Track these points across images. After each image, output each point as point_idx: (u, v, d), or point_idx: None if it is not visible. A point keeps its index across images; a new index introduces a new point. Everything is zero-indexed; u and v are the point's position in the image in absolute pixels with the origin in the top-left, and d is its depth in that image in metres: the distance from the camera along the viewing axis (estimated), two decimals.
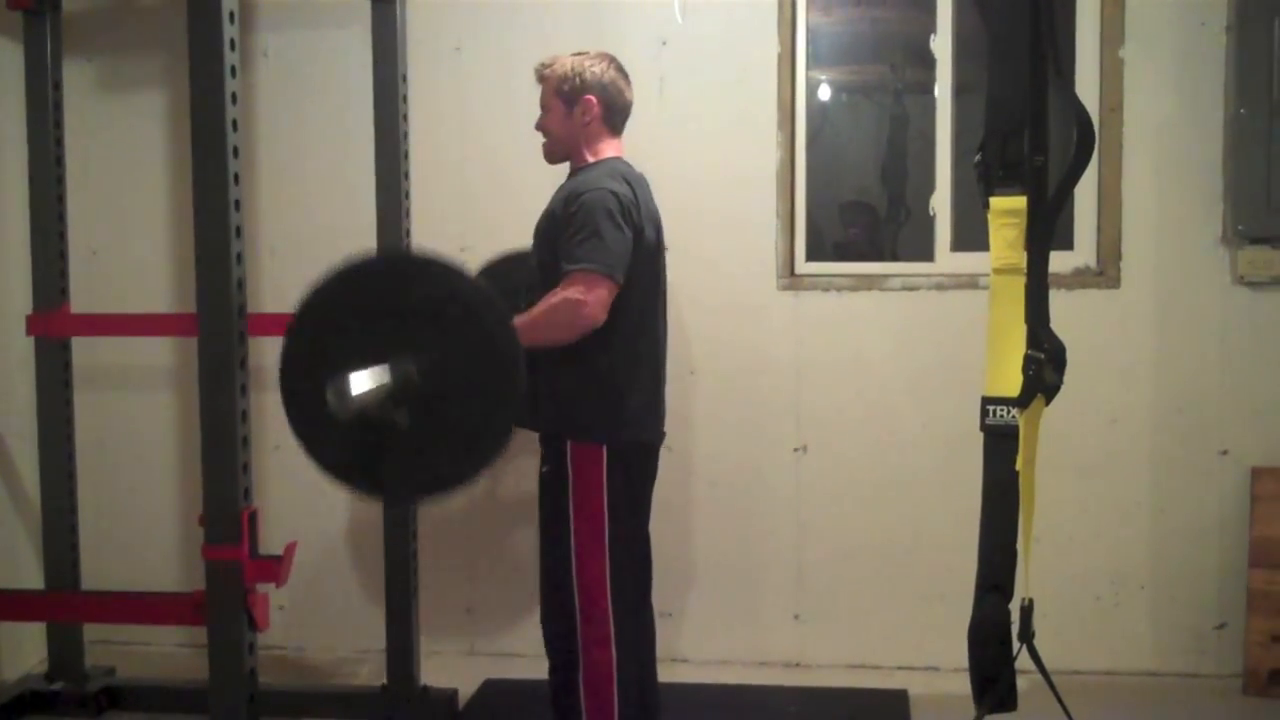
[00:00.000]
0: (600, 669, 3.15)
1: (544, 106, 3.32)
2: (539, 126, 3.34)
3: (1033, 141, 2.79)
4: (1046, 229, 2.80)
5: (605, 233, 3.04)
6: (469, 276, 2.83)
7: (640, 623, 3.33)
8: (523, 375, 2.76)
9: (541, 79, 3.33)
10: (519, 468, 4.41)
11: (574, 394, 3.16)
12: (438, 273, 2.78)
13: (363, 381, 2.54)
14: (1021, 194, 2.79)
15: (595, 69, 3.27)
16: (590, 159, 3.28)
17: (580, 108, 3.25)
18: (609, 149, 3.31)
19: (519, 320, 2.97)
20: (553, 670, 3.31)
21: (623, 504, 3.20)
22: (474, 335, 2.73)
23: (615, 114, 3.31)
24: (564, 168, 3.36)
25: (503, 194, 4.38)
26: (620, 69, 3.33)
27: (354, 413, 2.52)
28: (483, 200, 4.48)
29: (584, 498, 3.16)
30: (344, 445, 2.76)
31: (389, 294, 2.78)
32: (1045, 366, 2.76)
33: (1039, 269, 2.80)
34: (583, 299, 3.01)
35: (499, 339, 2.74)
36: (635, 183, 3.22)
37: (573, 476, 3.16)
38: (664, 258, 3.36)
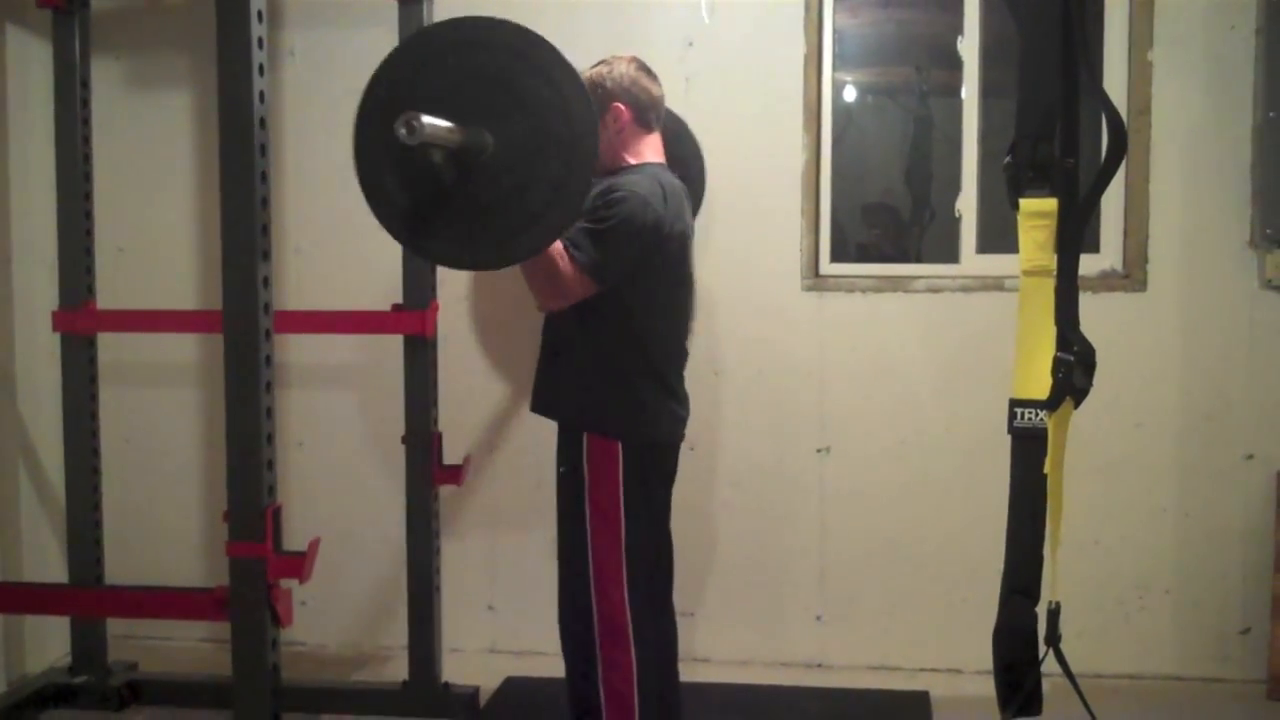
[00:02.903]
0: (618, 670, 3.15)
1: None
2: None
3: (1064, 143, 2.77)
4: (1077, 231, 2.78)
5: (616, 237, 3.03)
6: (573, 72, 2.78)
7: (660, 623, 3.32)
8: (589, 169, 2.75)
9: None
10: (541, 464, 4.41)
11: (594, 390, 3.16)
12: (542, 53, 2.76)
13: (436, 123, 2.53)
14: (1052, 196, 2.78)
15: (617, 74, 3.26)
16: (631, 161, 3.27)
17: (610, 116, 3.24)
18: (648, 149, 3.29)
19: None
20: (570, 670, 3.30)
21: (639, 503, 3.19)
22: (556, 121, 2.71)
23: (646, 113, 3.30)
24: None
25: None
26: (643, 67, 3.31)
27: (417, 144, 2.50)
28: None
29: (600, 496, 3.16)
30: (405, 205, 2.77)
31: (486, 59, 2.76)
32: (1075, 369, 2.73)
33: (1069, 271, 2.78)
34: (567, 285, 3.01)
35: (580, 130, 2.71)
36: (670, 194, 3.20)
37: (589, 474, 3.16)
38: (691, 266, 3.36)
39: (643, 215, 3.05)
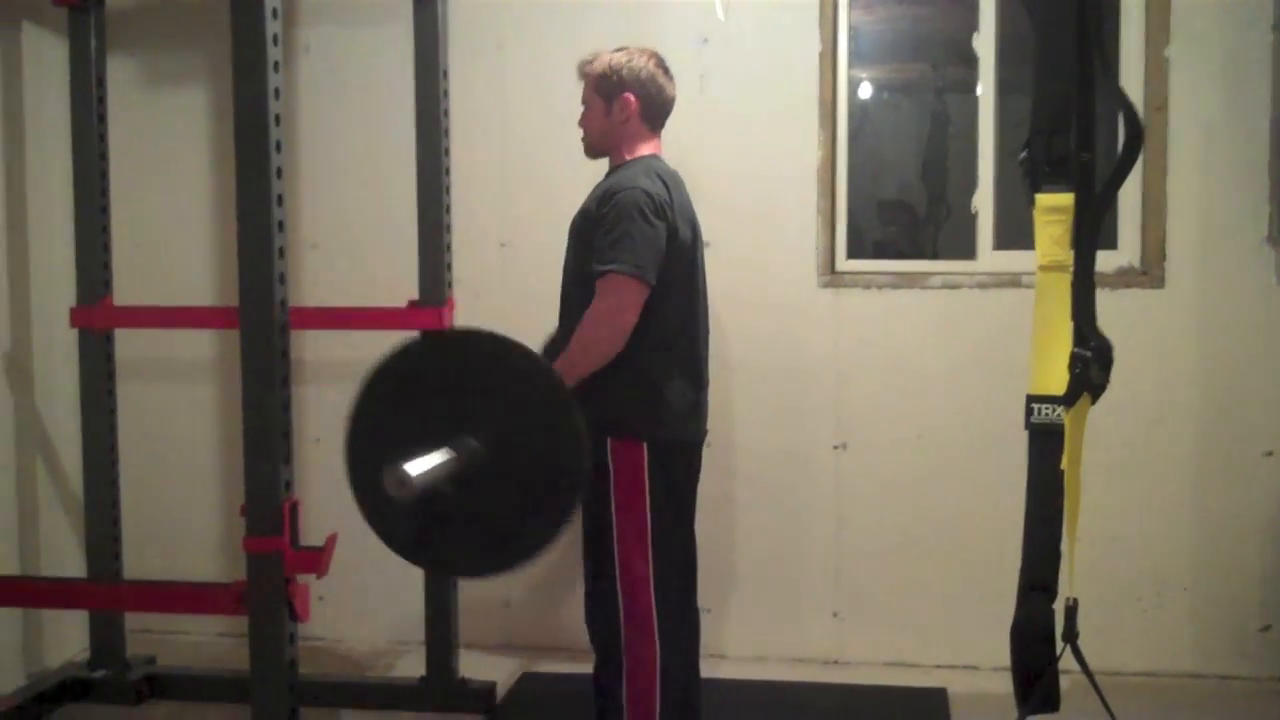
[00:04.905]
0: (643, 665, 3.15)
1: (584, 102, 3.33)
2: (580, 122, 3.34)
3: (1080, 138, 2.77)
4: (1094, 226, 2.78)
5: (636, 233, 3.04)
6: (532, 354, 2.82)
7: (684, 619, 3.32)
8: (588, 452, 2.76)
9: (583, 75, 3.33)
10: None
11: (615, 393, 3.14)
12: (501, 350, 2.79)
13: (420, 466, 2.53)
14: (1068, 191, 2.77)
15: (635, 65, 3.26)
16: (627, 157, 3.28)
17: (618, 105, 3.25)
18: (646, 147, 3.30)
19: (560, 363, 3.01)
20: (597, 664, 3.31)
21: (665, 501, 3.19)
22: (537, 412, 2.74)
23: (654, 111, 3.30)
24: (603, 163, 3.36)
25: (542, 191, 4.39)
26: (662, 65, 3.32)
27: (415, 496, 2.50)
28: (522, 197, 4.49)
29: (626, 495, 3.15)
30: (410, 527, 2.78)
31: (451, 372, 2.80)
32: (1092, 365, 2.73)
33: (1086, 267, 2.77)
34: (608, 308, 3.03)
35: (562, 416, 2.73)
36: (669, 180, 3.21)
37: (615, 475, 3.16)
38: (701, 255, 3.35)
39: (648, 203, 3.07)
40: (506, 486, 2.72)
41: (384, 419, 2.80)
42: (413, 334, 2.85)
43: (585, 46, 3.40)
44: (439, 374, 2.79)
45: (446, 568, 3.01)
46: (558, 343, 3.25)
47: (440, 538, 2.79)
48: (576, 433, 2.72)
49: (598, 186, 3.25)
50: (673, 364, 3.20)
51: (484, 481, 2.71)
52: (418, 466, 2.49)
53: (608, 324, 3.04)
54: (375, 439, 2.78)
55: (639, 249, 3.04)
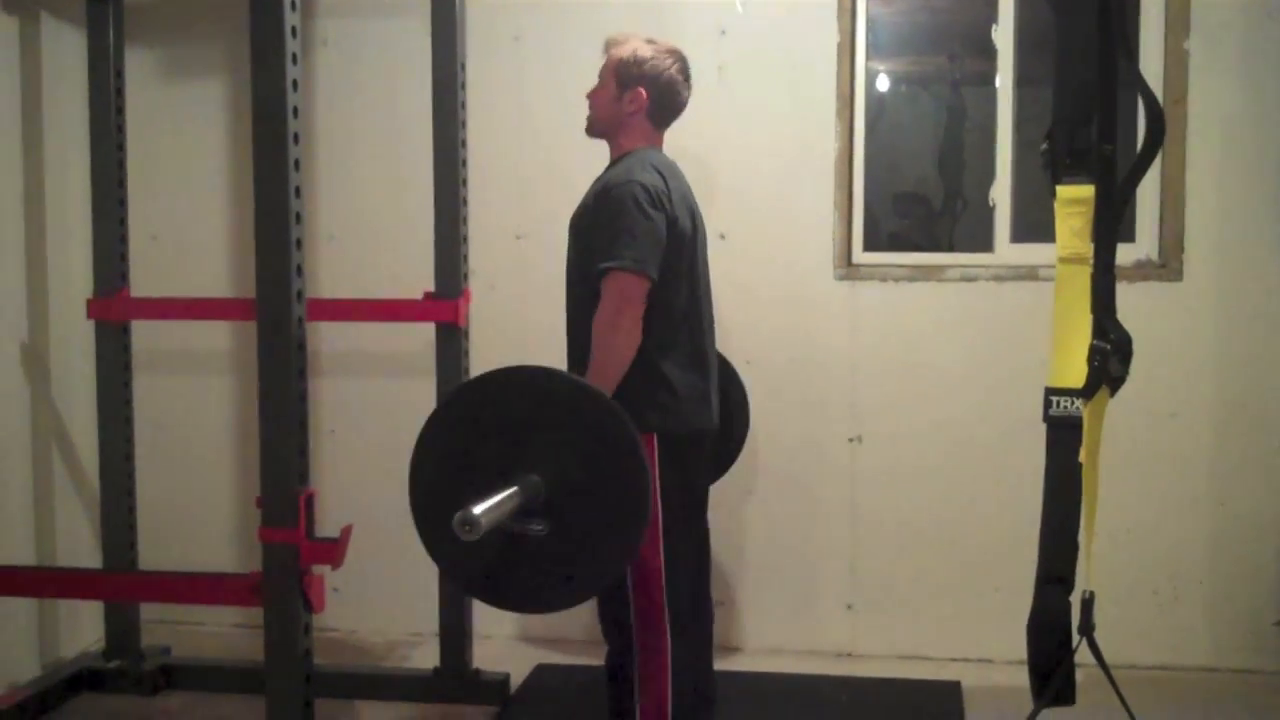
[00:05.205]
0: (655, 657, 3.14)
1: (600, 78, 3.32)
2: (589, 95, 3.33)
3: (1101, 130, 2.76)
4: (1114, 218, 2.77)
5: (635, 227, 3.03)
6: (590, 388, 2.82)
7: (696, 612, 3.31)
8: (647, 475, 2.75)
9: (606, 53, 3.32)
10: None
11: (622, 386, 3.13)
12: (549, 383, 2.77)
13: (486, 506, 2.52)
14: (1089, 183, 2.76)
15: (658, 64, 3.24)
16: (625, 147, 3.26)
17: (630, 95, 3.24)
18: (646, 141, 3.28)
19: (590, 378, 2.99)
20: (609, 657, 3.30)
21: (677, 493, 3.18)
22: (597, 443, 2.72)
23: (663, 112, 3.29)
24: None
25: (558, 183, 4.37)
26: (684, 69, 3.30)
27: (484, 534, 2.50)
28: (538, 189, 4.49)
29: None
30: (477, 562, 2.77)
31: (506, 410, 2.78)
32: (1111, 357, 2.73)
33: (1106, 259, 2.77)
34: (615, 308, 3.01)
35: (618, 440, 2.72)
36: (666, 170, 3.19)
37: None
38: (704, 244, 3.33)
39: (645, 195, 3.05)
40: (571, 519, 2.70)
41: (447, 458, 2.79)
42: (477, 374, 2.82)
43: (603, 38, 3.39)
44: (496, 412, 2.78)
45: (515, 603, 3.00)
46: (572, 347, 3.26)
47: (507, 572, 2.78)
48: (639, 463, 2.71)
49: (596, 181, 3.23)
50: (678, 354, 3.18)
51: (548, 516, 2.69)
52: (483, 507, 2.49)
53: (617, 325, 3.02)
54: (439, 478, 2.78)
55: (638, 243, 3.03)
